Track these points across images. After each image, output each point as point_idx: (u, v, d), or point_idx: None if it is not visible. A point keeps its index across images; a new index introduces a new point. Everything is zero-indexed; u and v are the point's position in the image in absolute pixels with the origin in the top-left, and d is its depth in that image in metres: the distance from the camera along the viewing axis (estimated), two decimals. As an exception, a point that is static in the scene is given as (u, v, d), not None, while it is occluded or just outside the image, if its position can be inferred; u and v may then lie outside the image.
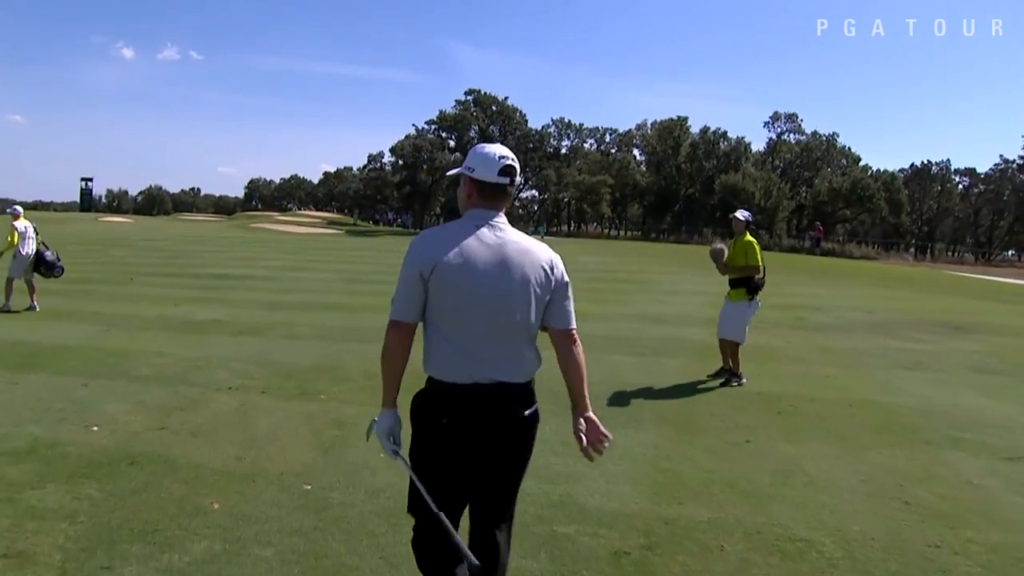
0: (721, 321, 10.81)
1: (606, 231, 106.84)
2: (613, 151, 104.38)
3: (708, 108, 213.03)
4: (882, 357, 12.83)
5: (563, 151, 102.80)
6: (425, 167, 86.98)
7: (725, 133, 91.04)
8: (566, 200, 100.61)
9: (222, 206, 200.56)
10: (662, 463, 6.83)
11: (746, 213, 10.83)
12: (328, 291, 21.22)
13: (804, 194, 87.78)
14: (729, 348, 10.59)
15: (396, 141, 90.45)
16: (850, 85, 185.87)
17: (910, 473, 6.78)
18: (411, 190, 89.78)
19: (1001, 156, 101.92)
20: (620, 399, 9.20)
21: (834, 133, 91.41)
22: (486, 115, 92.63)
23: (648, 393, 9.61)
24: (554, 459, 6.68)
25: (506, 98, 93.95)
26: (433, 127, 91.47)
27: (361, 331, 13.73)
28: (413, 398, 3.33)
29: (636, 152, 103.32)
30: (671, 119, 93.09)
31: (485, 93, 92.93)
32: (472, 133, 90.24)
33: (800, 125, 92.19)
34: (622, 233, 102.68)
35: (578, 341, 3.43)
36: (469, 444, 3.21)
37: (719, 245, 10.91)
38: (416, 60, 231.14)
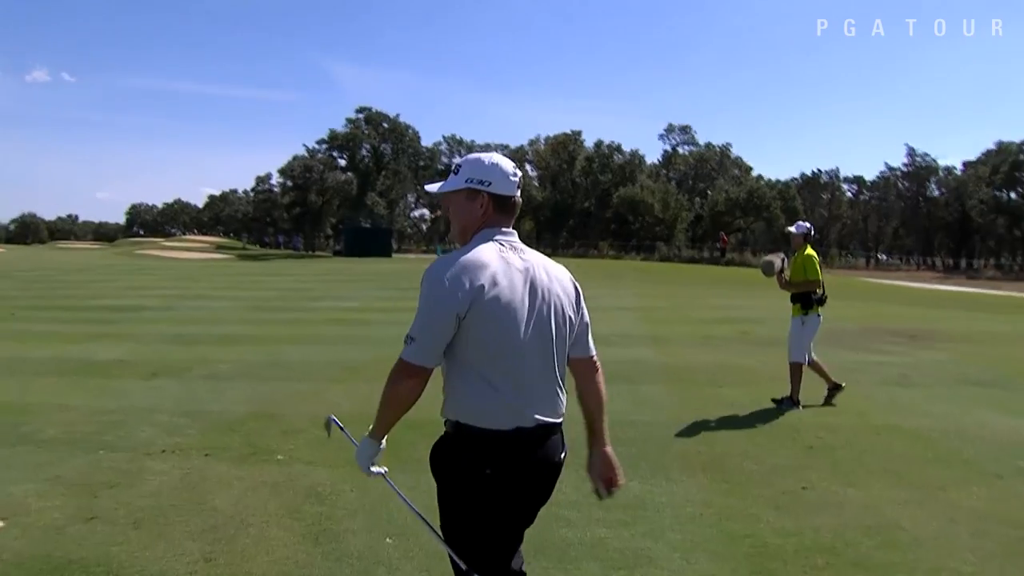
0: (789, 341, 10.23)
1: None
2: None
3: (601, 123, 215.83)
4: (863, 372, 12.16)
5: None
6: (315, 187, 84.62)
7: (619, 146, 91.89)
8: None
9: (103, 233, 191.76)
10: (729, 525, 5.63)
11: (804, 226, 10.43)
12: (234, 321, 19.51)
13: (700, 205, 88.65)
14: (799, 369, 9.95)
15: (285, 162, 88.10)
16: (742, 96, 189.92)
17: (1011, 517, 5.82)
18: (301, 211, 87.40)
19: (886, 164, 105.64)
20: (621, 440, 7.93)
21: (727, 144, 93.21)
22: (378, 133, 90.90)
23: (647, 430, 8.38)
24: (606, 531, 5.44)
25: (397, 115, 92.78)
26: (323, 146, 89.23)
27: (287, 368, 12.27)
28: (439, 447, 2.98)
29: (528, 168, 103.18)
30: (565, 134, 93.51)
31: (376, 111, 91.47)
32: (364, 152, 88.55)
33: (694, 136, 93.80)
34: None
35: (600, 369, 3.19)
36: (512, 492, 2.89)
37: (770, 258, 10.26)
38: (294, 78, 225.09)
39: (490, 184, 2.98)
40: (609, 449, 3.21)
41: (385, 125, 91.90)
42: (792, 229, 10.46)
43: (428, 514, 3.19)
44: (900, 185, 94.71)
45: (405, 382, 2.83)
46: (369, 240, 72.52)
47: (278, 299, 26.30)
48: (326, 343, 15.37)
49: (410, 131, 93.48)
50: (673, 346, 15.12)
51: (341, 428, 3.52)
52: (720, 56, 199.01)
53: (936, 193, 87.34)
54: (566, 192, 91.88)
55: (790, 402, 9.78)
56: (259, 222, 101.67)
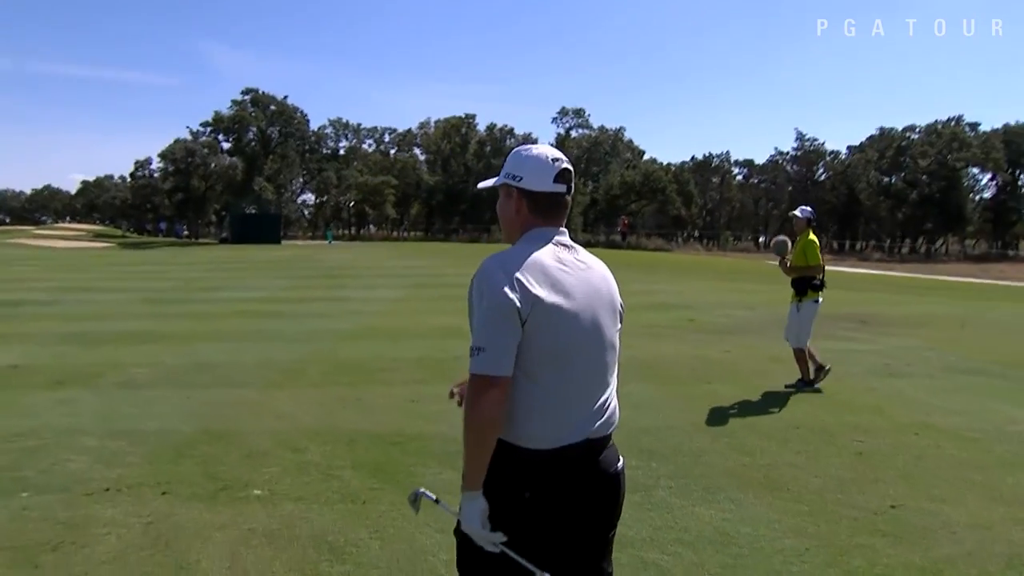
0: (787, 325, 10.19)
1: (391, 232, 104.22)
2: (393, 151, 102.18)
3: (495, 108, 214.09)
4: (843, 362, 11.52)
5: (341, 152, 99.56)
6: (199, 172, 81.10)
7: (512, 130, 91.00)
8: (348, 202, 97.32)
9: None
10: (850, 562, 4.78)
11: (807, 210, 10.25)
12: (131, 315, 17.69)
13: (595, 188, 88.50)
14: (795, 354, 9.94)
15: (165, 146, 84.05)
16: (635, 80, 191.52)
17: None
18: (184, 197, 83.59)
19: (776, 148, 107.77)
20: (643, 451, 6.93)
21: (621, 127, 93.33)
22: (265, 115, 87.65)
23: (664, 439, 7.41)
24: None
25: (285, 97, 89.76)
26: (207, 129, 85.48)
27: (214, 371, 10.83)
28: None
29: (417, 151, 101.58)
30: (457, 117, 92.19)
31: (263, 92, 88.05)
32: (251, 135, 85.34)
33: (587, 120, 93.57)
34: (408, 234, 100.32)
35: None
36: (560, 519, 2.55)
37: (782, 238, 10.14)
38: (169, 61, 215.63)
39: (520, 179, 2.68)
40: None
41: (272, 108, 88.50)
42: (797, 213, 10.19)
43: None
44: (789, 169, 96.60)
45: (486, 398, 2.44)
46: (257, 226, 69.69)
47: (173, 290, 24.38)
48: (246, 340, 13.87)
49: (299, 114, 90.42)
50: (624, 337, 14.15)
51: (436, 501, 2.85)
52: (613, 41, 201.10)
53: (823, 177, 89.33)
54: (458, 176, 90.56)
55: (803, 383, 9.79)
56: (139, 209, 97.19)
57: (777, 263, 10.25)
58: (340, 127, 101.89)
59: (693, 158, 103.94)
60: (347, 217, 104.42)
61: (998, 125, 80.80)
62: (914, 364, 11.70)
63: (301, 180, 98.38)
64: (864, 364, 11.62)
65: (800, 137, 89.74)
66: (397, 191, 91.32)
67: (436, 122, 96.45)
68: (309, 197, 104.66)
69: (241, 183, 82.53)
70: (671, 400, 9.09)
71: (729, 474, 6.40)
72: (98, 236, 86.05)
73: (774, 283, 27.23)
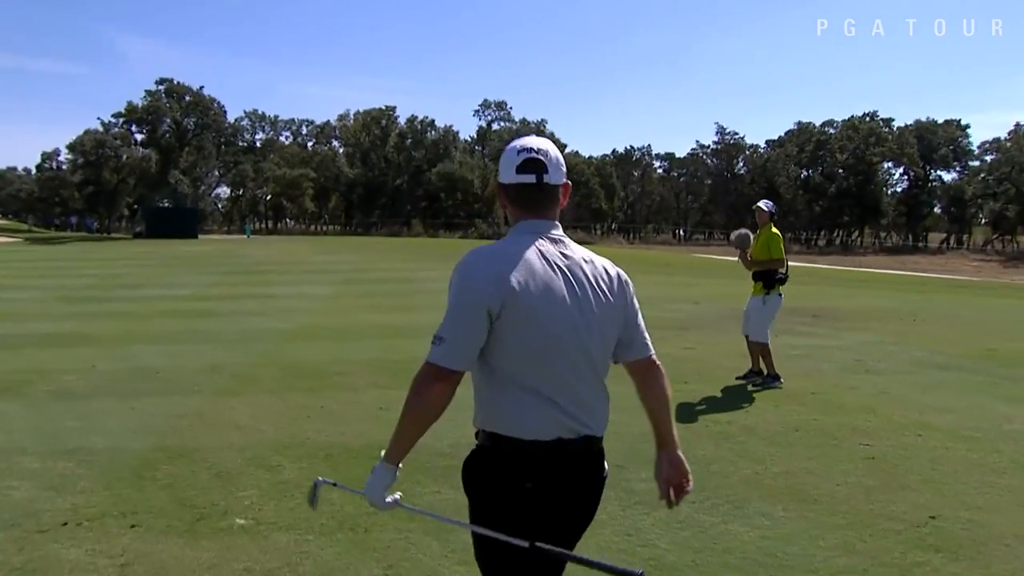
0: (744, 318, 10.05)
1: (310, 226, 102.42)
2: (311, 143, 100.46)
3: (415, 102, 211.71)
4: (811, 358, 11.63)
5: (257, 145, 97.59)
6: (110, 164, 78.17)
7: (433, 122, 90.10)
8: (265, 196, 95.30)
9: None
10: None
11: (769, 203, 10.18)
12: (51, 316, 16.62)
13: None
14: (757, 349, 9.77)
15: (74, 137, 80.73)
16: (556, 73, 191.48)
17: None
18: (94, 190, 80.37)
19: (697, 142, 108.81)
20: (641, 461, 6.39)
21: (543, 120, 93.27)
22: (180, 106, 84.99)
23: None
24: None
25: (201, 88, 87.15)
26: (120, 120, 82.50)
27: (157, 378, 10.06)
28: (473, 462, 2.62)
29: (336, 144, 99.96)
30: (377, 109, 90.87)
31: (178, 83, 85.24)
32: (166, 126, 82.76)
33: (509, 113, 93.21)
34: (328, 228, 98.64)
35: (663, 369, 2.81)
36: (554, 510, 2.55)
37: (744, 231, 9.93)
38: (75, 49, 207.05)
39: (499, 174, 2.71)
40: (679, 452, 2.84)
41: (188, 98, 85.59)
42: (762, 205, 10.11)
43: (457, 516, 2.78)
44: (709, 162, 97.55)
45: (432, 388, 2.46)
46: (173, 221, 67.51)
47: (91, 288, 23.16)
48: (182, 341, 13.06)
49: (215, 105, 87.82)
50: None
51: (334, 484, 2.94)
52: (535, 34, 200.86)
53: (743, 170, 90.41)
54: (378, 169, 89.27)
55: (771, 378, 9.62)
56: (45, 202, 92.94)
57: (737, 257, 10.09)
58: (256, 119, 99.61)
59: (614, 151, 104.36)
60: (264, 211, 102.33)
61: (910, 121, 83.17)
62: (884, 360, 11.55)
63: (217, 173, 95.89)
64: (835, 360, 11.44)
65: (721, 131, 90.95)
66: (316, 184, 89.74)
67: (356, 114, 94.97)
68: (224, 190, 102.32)
69: (156, 176, 79.89)
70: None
71: (747, 484, 5.97)
72: (2, 231, 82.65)
73: (710, 276, 27.36)
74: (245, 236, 70.51)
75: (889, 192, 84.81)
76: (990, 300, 23.48)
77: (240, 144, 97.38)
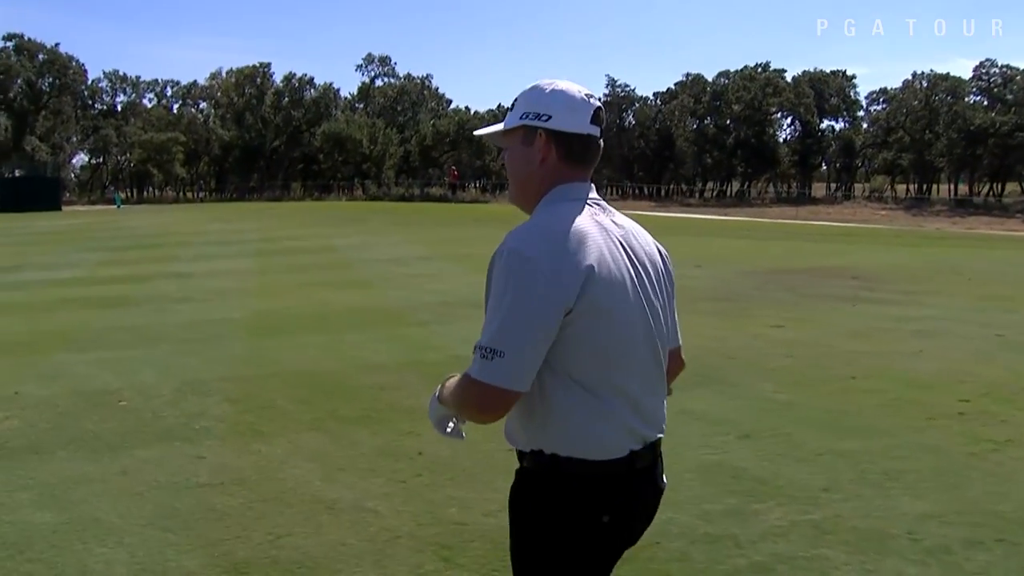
0: None
1: (181, 194, 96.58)
2: (176, 106, 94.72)
3: (291, 61, 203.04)
4: (947, 336, 9.60)
5: (118, 108, 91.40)
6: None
7: (312, 79, 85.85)
8: (129, 163, 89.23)
9: None
10: None
11: None
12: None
13: (404, 139, 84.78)
14: None
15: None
16: (438, 27, 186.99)
17: None
18: (-65, 160, 73.52)
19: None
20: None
21: (428, 75, 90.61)
22: (34, 65, 77.95)
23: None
24: None
25: (57, 45, 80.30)
26: (-38, 81, 75.22)
27: (108, 406, 7.13)
28: (527, 492, 2.14)
29: (203, 105, 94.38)
30: (251, 66, 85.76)
31: (30, 39, 78.12)
32: (18, 86, 75.88)
33: (394, 68, 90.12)
34: (205, 195, 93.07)
35: (684, 364, 2.46)
36: (624, 539, 2.21)
37: None
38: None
39: (549, 118, 2.15)
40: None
41: (42, 56, 78.38)
42: None
43: None
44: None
45: (497, 414, 2.04)
46: (31, 192, 61.02)
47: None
48: (117, 345, 10.05)
49: (74, 63, 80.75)
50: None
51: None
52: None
53: (631, 124, 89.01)
54: (255, 131, 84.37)
55: None
56: None
57: None
58: (117, 80, 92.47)
59: (500, 106, 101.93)
60: (127, 179, 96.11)
61: (798, 72, 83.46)
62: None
63: (75, 139, 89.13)
64: (976, 337, 9.39)
65: (612, 83, 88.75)
66: (186, 148, 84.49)
67: (227, 72, 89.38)
68: (81, 158, 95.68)
69: (7, 143, 73.18)
70: (741, 411, 6.48)
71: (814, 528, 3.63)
72: None
73: (687, 235, 25.42)
74: (116, 207, 65.03)
75: (782, 142, 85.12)
76: (1001, 252, 22.26)
77: (99, 108, 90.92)
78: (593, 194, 2.20)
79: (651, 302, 2.16)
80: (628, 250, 2.14)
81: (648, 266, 2.18)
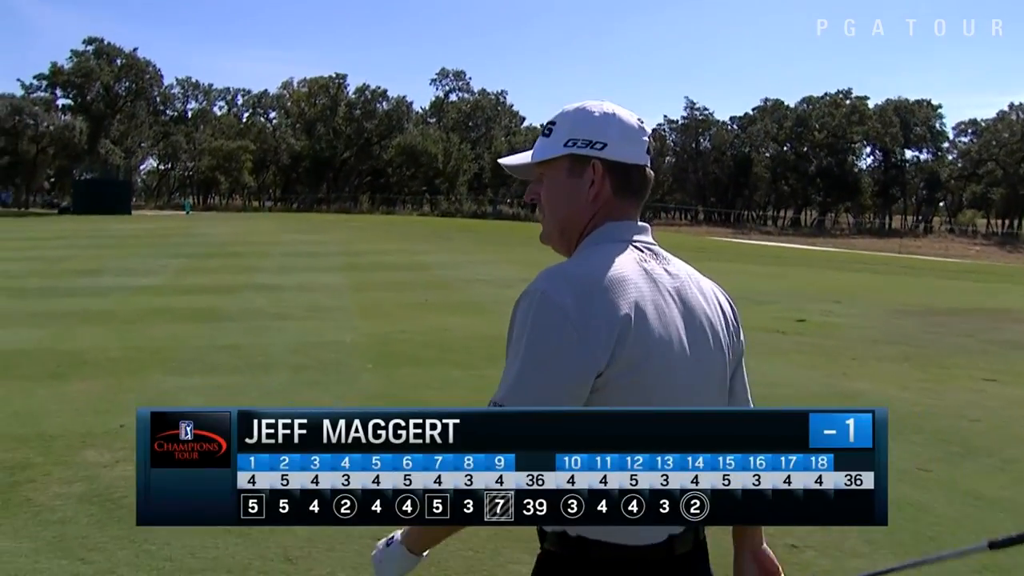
0: None
1: (248, 202, 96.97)
2: (246, 115, 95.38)
3: (366, 71, 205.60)
4: None
5: (189, 115, 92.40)
6: (29, 133, 71.87)
7: (386, 92, 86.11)
8: (198, 170, 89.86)
9: None
10: None
11: None
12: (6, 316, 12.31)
13: (477, 156, 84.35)
14: None
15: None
16: (515, 44, 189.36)
17: None
18: (11, 161, 74.19)
19: (665, 116, 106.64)
20: None
21: (503, 91, 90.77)
22: (112, 69, 78.79)
23: None
24: None
25: (135, 49, 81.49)
26: (43, 84, 76.01)
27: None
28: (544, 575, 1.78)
29: (272, 114, 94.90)
30: (325, 77, 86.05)
31: (109, 43, 79.39)
32: (96, 90, 76.66)
33: (468, 83, 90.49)
34: (274, 204, 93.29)
35: None
36: None
37: None
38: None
39: (604, 146, 1.78)
40: (767, 551, 1.96)
41: (120, 61, 79.16)
42: None
43: None
44: (670, 139, 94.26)
45: None
46: (103, 195, 61.48)
47: (36, 275, 18.57)
48: (219, 370, 8.83)
49: (151, 68, 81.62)
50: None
51: None
52: (493, 3, 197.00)
53: (707, 147, 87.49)
54: (325, 141, 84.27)
55: None
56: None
57: None
58: (189, 87, 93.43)
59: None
60: (195, 185, 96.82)
61: (881, 101, 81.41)
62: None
63: (146, 144, 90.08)
64: None
65: (690, 105, 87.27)
66: (254, 157, 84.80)
67: (300, 82, 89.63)
68: (150, 163, 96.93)
69: (82, 146, 73.72)
70: None
71: None
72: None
73: (783, 264, 23.80)
74: (185, 213, 64.98)
75: (862, 172, 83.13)
76: None
77: (170, 114, 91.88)
78: (647, 237, 1.84)
79: (705, 367, 1.78)
80: (682, 304, 1.76)
81: (706, 324, 1.79)
